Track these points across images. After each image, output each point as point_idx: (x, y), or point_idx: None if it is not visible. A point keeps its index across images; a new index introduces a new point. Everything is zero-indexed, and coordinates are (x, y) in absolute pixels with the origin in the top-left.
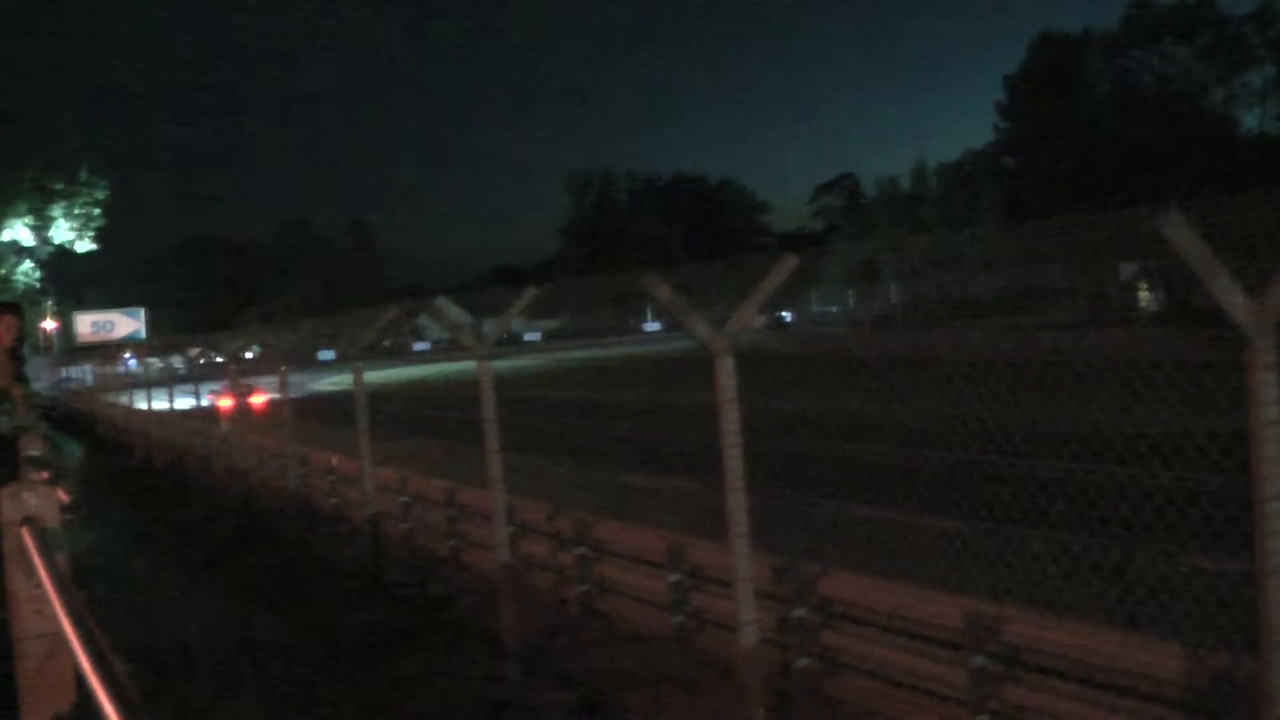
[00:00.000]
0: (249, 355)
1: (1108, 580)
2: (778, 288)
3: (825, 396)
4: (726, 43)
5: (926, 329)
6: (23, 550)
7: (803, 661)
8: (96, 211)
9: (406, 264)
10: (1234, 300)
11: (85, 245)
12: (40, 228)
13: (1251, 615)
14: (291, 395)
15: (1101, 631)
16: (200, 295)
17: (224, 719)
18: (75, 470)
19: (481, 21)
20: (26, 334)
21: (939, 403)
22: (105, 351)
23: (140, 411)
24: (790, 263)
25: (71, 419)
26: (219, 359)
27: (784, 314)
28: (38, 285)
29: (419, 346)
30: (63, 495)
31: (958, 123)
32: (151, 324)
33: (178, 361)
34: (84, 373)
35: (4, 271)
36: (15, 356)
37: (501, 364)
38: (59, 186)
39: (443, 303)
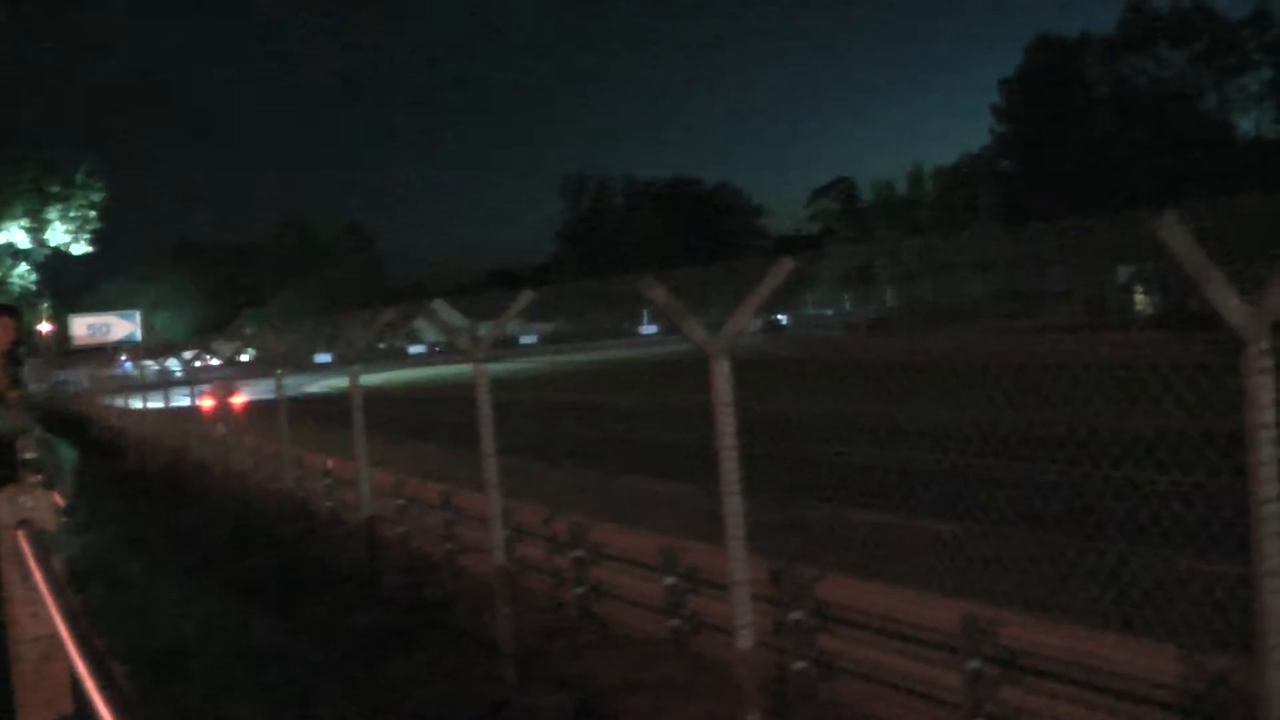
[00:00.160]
0: (244, 358)
1: (1104, 583)
2: (774, 291)
3: (820, 400)
4: (723, 46)
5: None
6: (19, 553)
7: (799, 665)
8: (92, 214)
9: (403, 266)
10: (1230, 303)
11: (81, 248)
12: (36, 230)
13: (1247, 618)
14: (283, 396)
15: (1097, 634)
16: (197, 297)
17: None
18: (71, 473)
19: (481, 22)
20: (24, 337)
21: (934, 406)
22: (101, 354)
23: (136, 414)
24: (786, 266)
25: (67, 421)
26: (214, 361)
27: (780, 317)
28: (33, 288)
29: (415, 350)
30: (58, 498)
31: (954, 126)
32: (147, 326)
33: (173, 364)
34: (80, 375)
35: (0, 274)
36: (12, 359)
37: (498, 367)
38: (55, 189)
39: (439, 305)
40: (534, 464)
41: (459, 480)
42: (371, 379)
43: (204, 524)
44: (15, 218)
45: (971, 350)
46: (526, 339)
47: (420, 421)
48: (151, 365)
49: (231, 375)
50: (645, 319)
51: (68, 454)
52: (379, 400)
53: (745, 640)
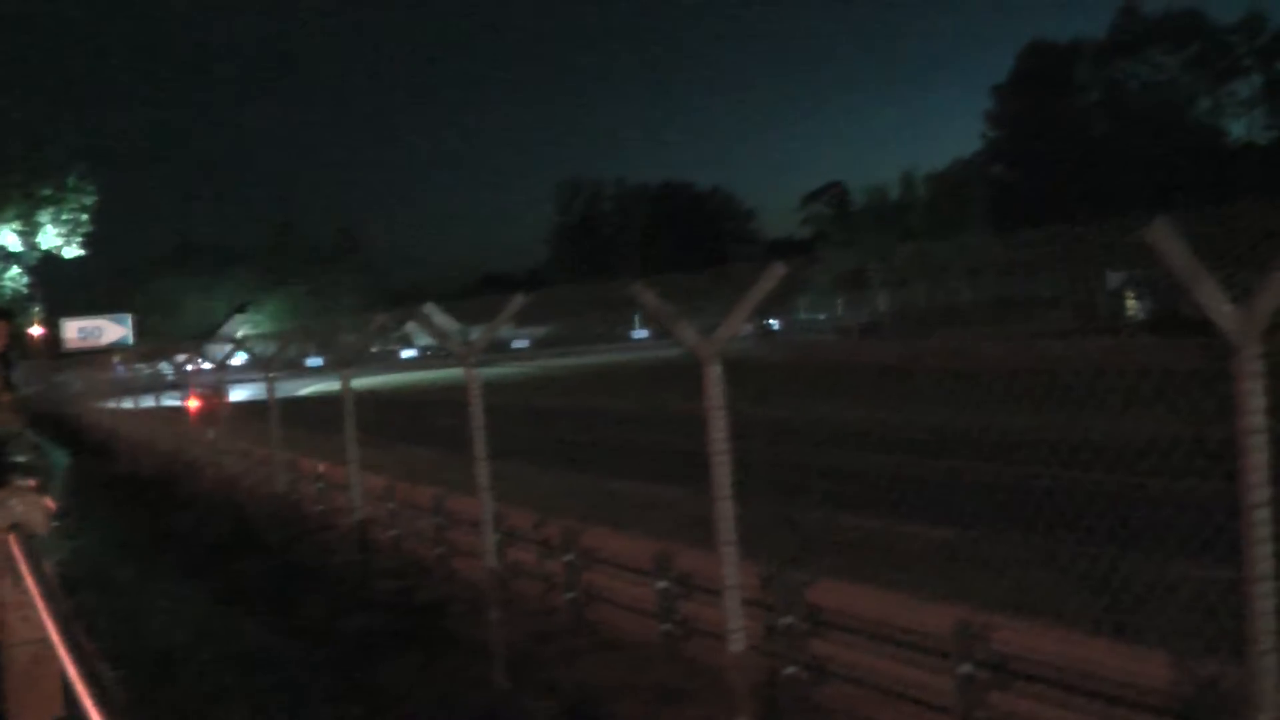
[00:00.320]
0: (236, 361)
1: (1095, 588)
2: (766, 295)
3: (812, 403)
4: (715, 51)
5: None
6: (10, 557)
7: (791, 669)
8: (84, 217)
9: (396, 269)
10: (1220, 308)
11: (73, 251)
12: (28, 233)
13: (1238, 622)
14: (274, 400)
15: (1089, 639)
16: (190, 300)
17: None
18: (63, 476)
19: (480, 23)
20: (17, 339)
21: (924, 410)
22: (94, 357)
23: (127, 416)
24: (778, 271)
25: (59, 424)
26: (206, 365)
27: (771, 321)
28: (25, 291)
29: (407, 353)
30: (50, 502)
31: (948, 131)
32: (140, 329)
33: (165, 368)
34: (71, 378)
35: None
36: (4, 362)
37: (489, 371)
38: (47, 192)
39: (431, 309)
40: (526, 468)
41: (451, 484)
42: (361, 383)
43: (196, 527)
44: (7, 221)
45: (962, 356)
46: (519, 343)
47: (414, 425)
48: (144, 369)
49: (222, 379)
50: (637, 323)
51: (59, 458)
52: (371, 404)
53: (737, 644)
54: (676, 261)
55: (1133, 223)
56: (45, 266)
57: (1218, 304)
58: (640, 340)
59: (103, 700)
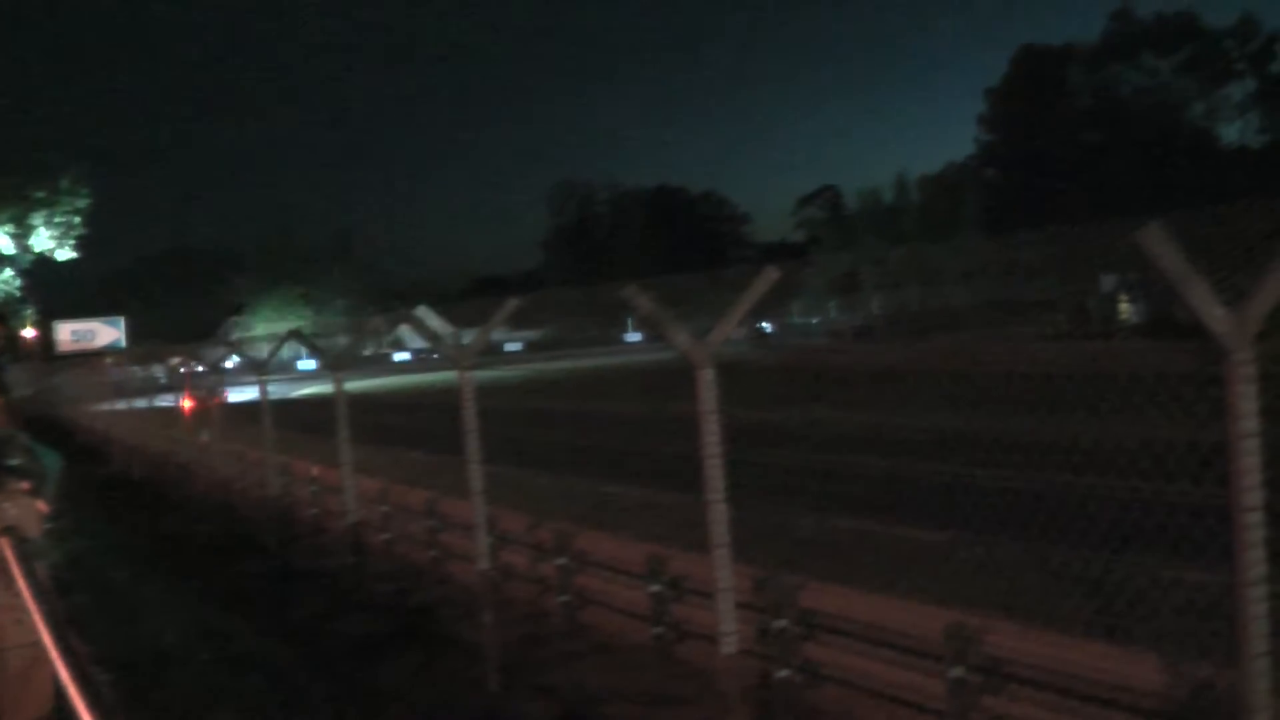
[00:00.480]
0: (229, 365)
1: (1088, 592)
2: (759, 299)
3: (805, 407)
4: (710, 54)
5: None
6: (2, 560)
7: (784, 673)
8: (77, 220)
9: (390, 271)
10: (1213, 312)
11: (66, 254)
12: (21, 236)
13: (1231, 627)
14: (267, 402)
15: (1082, 642)
16: (184, 303)
17: None
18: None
19: (480, 24)
20: (10, 342)
21: (917, 413)
22: (87, 360)
23: (121, 420)
24: (771, 275)
25: (52, 426)
26: (200, 368)
27: (765, 325)
28: (18, 294)
29: (400, 357)
30: (43, 505)
31: (944, 135)
32: (133, 332)
33: (159, 370)
34: (64, 381)
35: None
36: None
37: (483, 375)
38: (40, 195)
39: (424, 312)
40: (519, 471)
41: (444, 488)
42: (357, 386)
43: (189, 530)
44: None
45: (955, 358)
46: (512, 346)
47: (408, 428)
48: (137, 371)
49: (217, 381)
50: (630, 326)
51: (52, 461)
52: (364, 406)
53: (729, 646)
54: (670, 265)
55: (1125, 226)
56: (38, 269)
57: (1210, 308)
58: (634, 343)
59: (94, 703)
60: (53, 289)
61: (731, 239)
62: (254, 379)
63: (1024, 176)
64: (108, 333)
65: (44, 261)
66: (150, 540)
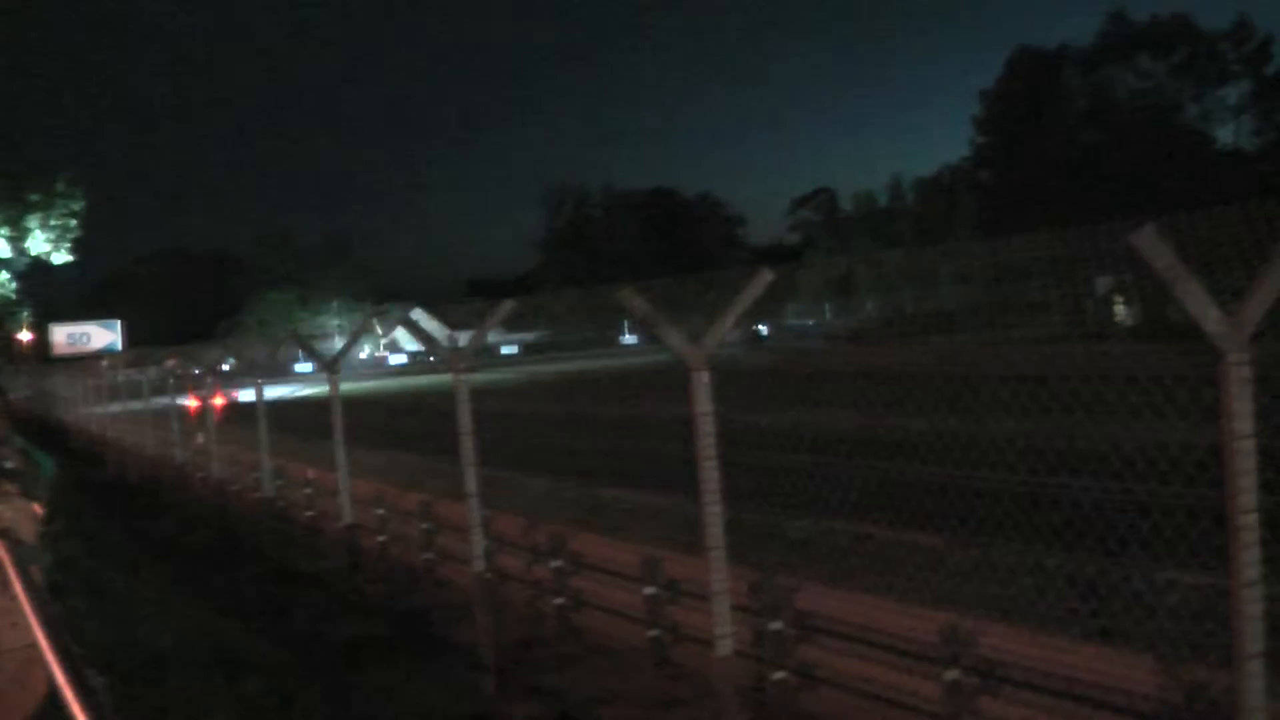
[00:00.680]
0: (225, 367)
1: (1083, 594)
2: (753, 302)
3: (801, 410)
4: (706, 57)
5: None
6: None
7: (779, 675)
8: (73, 223)
9: (385, 273)
10: (1208, 314)
11: (61, 256)
12: (16, 239)
13: (1225, 628)
14: (263, 405)
15: (1076, 645)
16: (180, 305)
17: None
18: (50, 482)
19: (477, 25)
20: (5, 345)
21: (914, 416)
22: (83, 363)
23: (116, 423)
24: (765, 277)
25: (47, 429)
26: (196, 370)
27: (760, 327)
28: (13, 296)
29: (396, 359)
30: (38, 508)
31: (935, 137)
32: (128, 334)
33: (154, 373)
34: (60, 384)
35: None
36: None
37: (478, 377)
38: (35, 198)
39: (418, 315)
40: (515, 474)
41: (439, 491)
42: (355, 388)
43: (184, 533)
44: None
45: (951, 360)
46: (507, 349)
47: (404, 430)
48: (134, 374)
49: (214, 383)
50: (625, 329)
51: (47, 464)
52: (359, 408)
53: (724, 648)
54: (665, 267)
55: (1120, 228)
56: (34, 272)
57: (1204, 310)
58: (629, 346)
59: (89, 705)
60: (48, 292)
61: (726, 241)
62: (253, 380)
63: (1019, 178)
64: (103, 335)
65: (39, 264)
66: (145, 543)
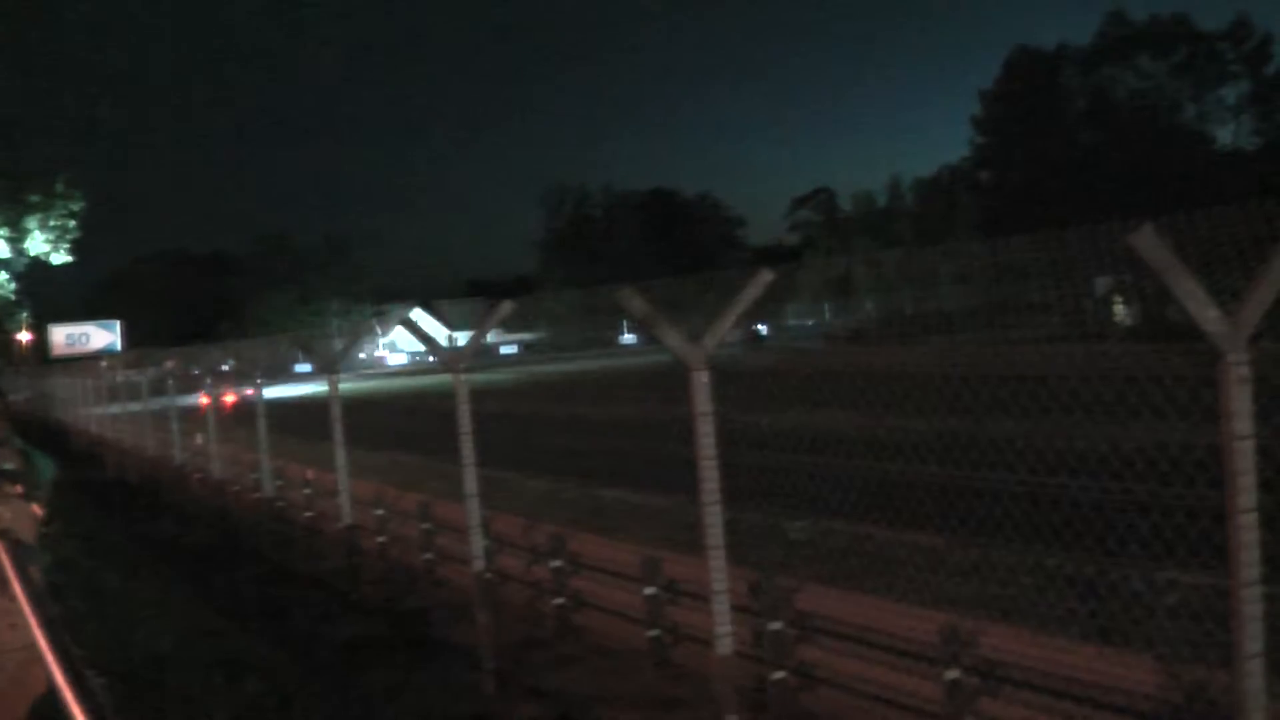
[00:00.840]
0: (225, 368)
1: (1083, 594)
2: (753, 302)
3: (800, 410)
4: (704, 57)
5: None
6: None
7: (779, 675)
8: (72, 224)
9: (384, 274)
10: (1207, 314)
11: (61, 257)
12: (15, 239)
13: (1225, 628)
14: (263, 406)
15: (1076, 645)
16: (178, 306)
17: None
18: (50, 483)
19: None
20: (4, 346)
21: (914, 417)
22: (82, 363)
23: (116, 424)
24: (765, 278)
25: (46, 430)
26: (195, 371)
27: (760, 327)
28: (12, 297)
29: (396, 359)
30: (37, 509)
31: (935, 137)
32: (128, 335)
33: (153, 374)
34: (59, 384)
35: None
36: None
37: (477, 377)
38: (35, 198)
39: (418, 316)
40: (514, 475)
41: (438, 491)
42: (356, 388)
43: (183, 533)
44: None
45: (950, 360)
46: (507, 349)
47: (402, 431)
48: (132, 375)
49: (217, 383)
50: (625, 329)
51: (46, 465)
52: (358, 409)
53: (724, 648)
54: (665, 267)
55: (1119, 229)
56: (33, 273)
57: (1204, 310)
58: (629, 346)
59: (88, 706)
60: (48, 292)
61: (726, 241)
62: (252, 381)
63: (1018, 179)
64: (103, 336)
65: (39, 265)
66: (145, 544)
